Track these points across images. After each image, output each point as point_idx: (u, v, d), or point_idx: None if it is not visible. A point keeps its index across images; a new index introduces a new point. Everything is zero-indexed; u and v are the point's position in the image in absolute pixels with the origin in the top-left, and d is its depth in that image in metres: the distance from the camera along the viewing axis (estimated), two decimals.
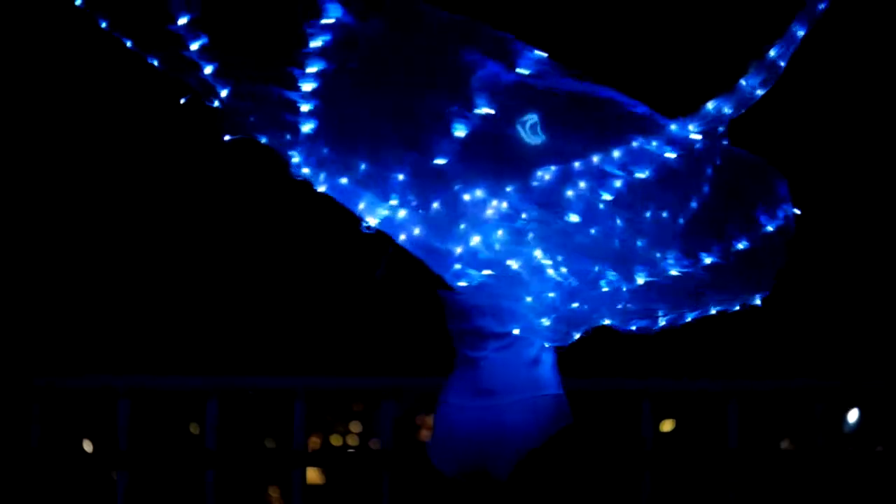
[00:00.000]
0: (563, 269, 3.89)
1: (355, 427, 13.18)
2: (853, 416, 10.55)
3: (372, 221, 3.92)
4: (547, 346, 4.02)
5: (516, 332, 4.00)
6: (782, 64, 3.82)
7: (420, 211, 3.88)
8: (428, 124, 3.84)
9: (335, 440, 13.17)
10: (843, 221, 10.03)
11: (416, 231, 3.90)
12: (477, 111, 3.81)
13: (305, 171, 3.94)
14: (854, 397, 8.20)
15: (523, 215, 3.87)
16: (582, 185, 3.82)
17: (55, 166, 9.96)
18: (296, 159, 3.94)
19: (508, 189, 3.86)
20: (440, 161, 3.84)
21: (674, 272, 3.87)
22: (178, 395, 6.85)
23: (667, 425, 11.64)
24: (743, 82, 3.84)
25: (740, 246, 3.89)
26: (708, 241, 3.88)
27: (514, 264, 3.88)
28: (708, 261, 3.87)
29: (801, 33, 3.83)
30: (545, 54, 3.83)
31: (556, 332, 3.96)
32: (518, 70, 3.82)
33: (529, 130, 3.87)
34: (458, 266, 3.92)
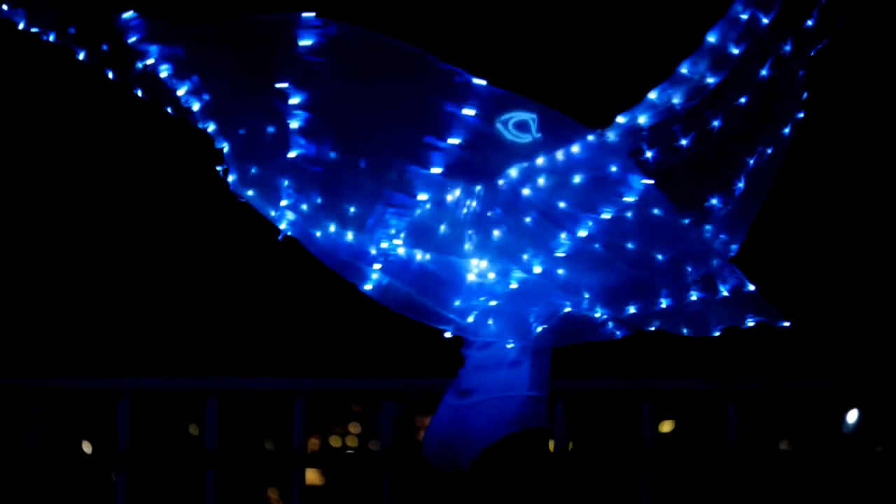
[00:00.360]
0: (492, 274, 3.89)
1: (354, 428, 13.18)
2: (852, 416, 10.55)
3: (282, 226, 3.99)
4: (511, 345, 4.01)
5: (448, 335, 4.00)
6: (734, 50, 3.73)
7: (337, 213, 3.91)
8: (276, 126, 3.89)
9: (334, 441, 13.16)
10: (842, 222, 10.03)
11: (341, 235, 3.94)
12: (292, 101, 3.80)
13: (250, 193, 3.99)
14: (853, 398, 8.20)
15: (489, 213, 3.87)
16: (541, 181, 3.81)
17: (55, 168, 9.96)
18: (231, 178, 4.00)
19: (478, 188, 3.87)
20: (292, 154, 3.84)
21: (560, 253, 3.84)
22: (178, 396, 6.85)
23: (666, 426, 11.65)
24: (683, 69, 3.74)
25: (605, 216, 3.80)
26: (576, 215, 3.85)
27: (474, 271, 3.89)
28: (583, 233, 3.81)
29: (744, 16, 3.72)
30: (313, 14, 3.78)
31: (494, 328, 3.96)
32: (301, 44, 3.78)
33: (514, 129, 3.86)
34: (375, 275, 3.94)
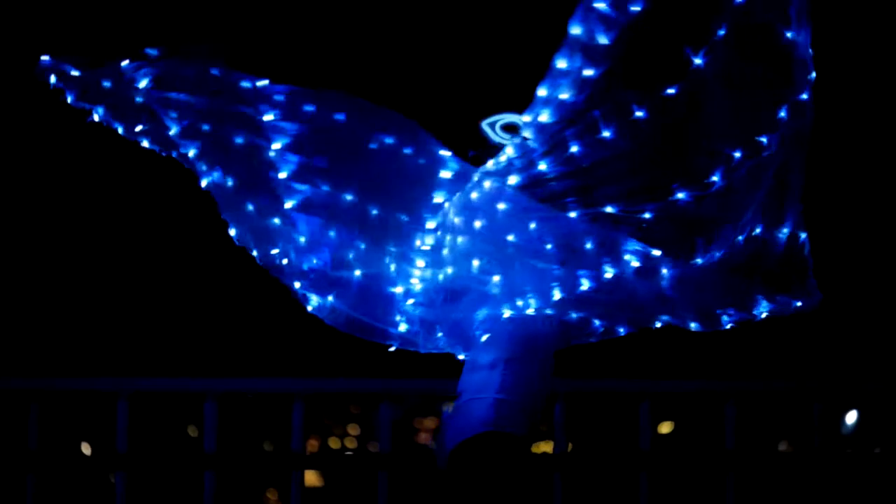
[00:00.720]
0: (418, 284, 3.93)
1: (353, 430, 13.18)
2: (851, 417, 10.55)
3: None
4: (462, 356, 4.04)
5: (392, 349, 4.04)
6: (604, 40, 3.66)
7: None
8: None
9: (333, 443, 13.16)
10: (839, 222, 10.04)
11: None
12: (172, 133, 3.96)
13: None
14: (852, 399, 8.21)
15: (455, 220, 3.90)
16: (487, 184, 3.83)
17: (54, 169, 9.96)
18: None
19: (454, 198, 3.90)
20: (203, 183, 4.00)
21: (422, 248, 3.90)
22: (177, 398, 6.85)
23: (665, 427, 11.65)
24: (558, 63, 3.69)
25: (438, 198, 3.87)
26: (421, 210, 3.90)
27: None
28: (431, 224, 3.89)
29: (600, 4, 3.63)
30: (127, 60, 3.94)
31: (442, 340, 3.99)
32: (140, 86, 3.94)
33: (500, 131, 3.86)
34: (315, 297, 4.01)
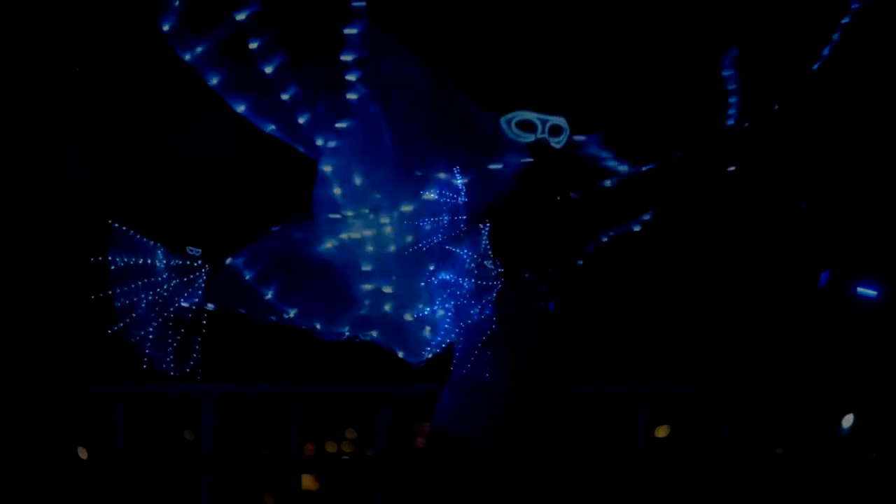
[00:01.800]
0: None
1: (350, 434, 13.16)
2: (848, 421, 10.56)
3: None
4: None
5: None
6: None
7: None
8: None
9: (330, 447, 13.15)
10: (835, 227, 10.05)
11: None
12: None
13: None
14: (849, 402, 8.22)
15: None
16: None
17: (55, 169, 9.96)
18: None
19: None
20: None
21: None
22: (174, 401, 6.86)
23: (662, 431, 11.65)
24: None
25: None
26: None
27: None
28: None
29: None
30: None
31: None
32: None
33: (516, 128, 3.88)
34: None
